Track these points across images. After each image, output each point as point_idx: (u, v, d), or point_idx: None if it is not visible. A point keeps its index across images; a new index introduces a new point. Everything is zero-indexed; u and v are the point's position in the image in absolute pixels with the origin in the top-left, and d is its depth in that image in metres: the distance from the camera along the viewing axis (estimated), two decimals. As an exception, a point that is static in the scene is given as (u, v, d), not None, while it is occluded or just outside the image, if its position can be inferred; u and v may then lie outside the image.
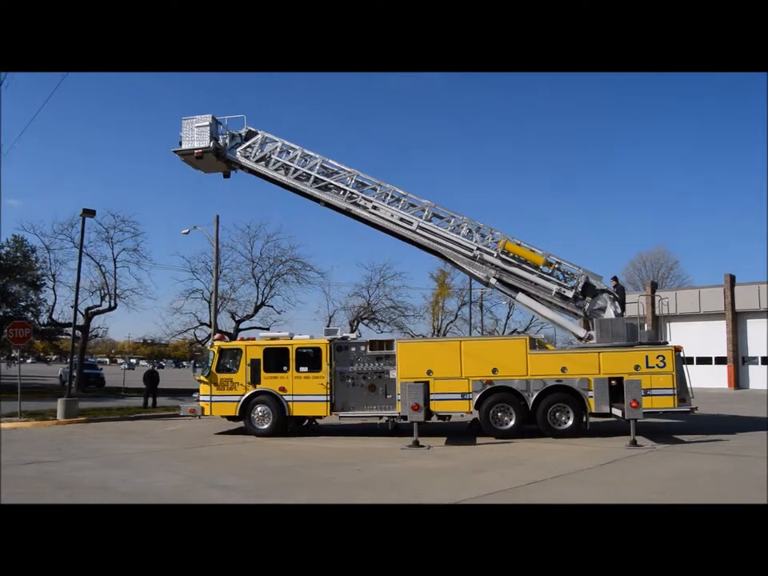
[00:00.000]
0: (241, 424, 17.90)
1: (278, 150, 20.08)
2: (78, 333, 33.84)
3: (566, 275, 18.30)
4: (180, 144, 20.11)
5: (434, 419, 16.75)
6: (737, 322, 42.50)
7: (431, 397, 16.11)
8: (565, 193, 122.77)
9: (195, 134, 19.83)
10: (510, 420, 16.03)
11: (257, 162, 20.09)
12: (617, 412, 15.28)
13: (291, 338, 18.10)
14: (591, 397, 15.64)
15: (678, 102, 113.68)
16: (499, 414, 16.10)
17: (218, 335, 23.08)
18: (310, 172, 19.63)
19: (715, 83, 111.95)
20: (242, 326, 38.18)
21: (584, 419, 15.81)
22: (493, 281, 18.31)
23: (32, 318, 37.44)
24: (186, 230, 32.90)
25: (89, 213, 24.32)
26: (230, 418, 17.99)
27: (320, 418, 18.10)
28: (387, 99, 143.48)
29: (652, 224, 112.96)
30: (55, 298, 37.43)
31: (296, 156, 19.90)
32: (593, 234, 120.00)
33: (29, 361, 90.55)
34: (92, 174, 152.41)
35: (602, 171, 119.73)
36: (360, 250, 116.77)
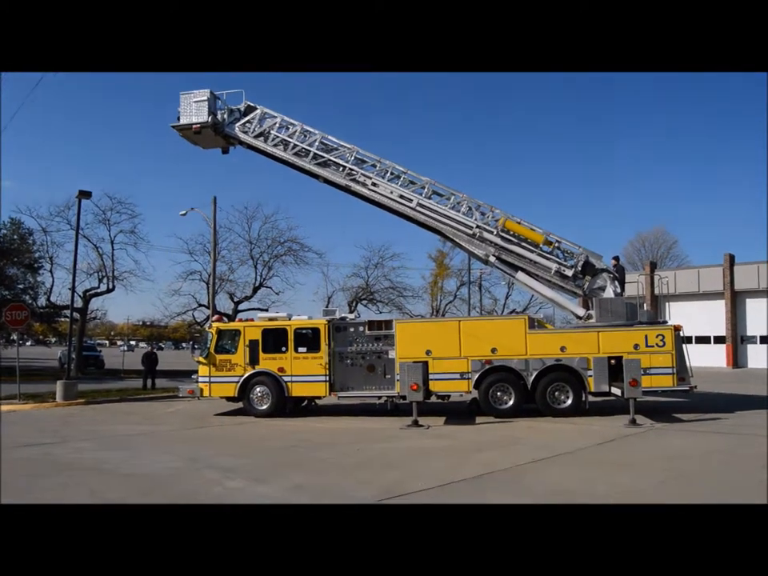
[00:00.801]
0: (240, 405, 17.90)
1: (277, 125, 19.90)
2: (77, 315, 33.77)
3: (565, 254, 18.24)
4: (178, 119, 19.90)
5: (433, 399, 16.75)
6: (736, 301, 42.48)
7: (430, 377, 16.09)
8: (565, 174, 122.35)
9: (193, 109, 19.61)
10: (509, 399, 16.03)
11: (255, 137, 19.91)
12: (616, 391, 15.28)
13: (290, 319, 18.06)
14: (590, 376, 15.64)
15: (679, 89, 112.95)
16: (498, 394, 16.10)
17: (216, 316, 23.00)
18: (309, 148, 19.46)
19: (715, 77, 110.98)
20: (240, 307, 38.12)
21: (583, 398, 15.82)
22: (492, 259, 18.23)
23: (30, 301, 37.29)
24: (184, 212, 32.70)
25: (85, 194, 24.17)
26: (228, 398, 17.99)
27: (319, 398, 18.12)
28: (387, 89, 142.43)
29: (651, 204, 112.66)
30: (53, 281, 37.32)
31: (295, 132, 19.72)
32: (592, 215, 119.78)
33: (28, 343, 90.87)
34: (88, 156, 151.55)
35: (602, 153, 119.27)
36: (358, 231, 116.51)
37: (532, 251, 18.01)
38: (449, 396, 16.89)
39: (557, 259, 17.95)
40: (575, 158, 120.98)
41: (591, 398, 16.07)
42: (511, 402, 16.00)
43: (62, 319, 44.40)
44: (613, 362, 15.60)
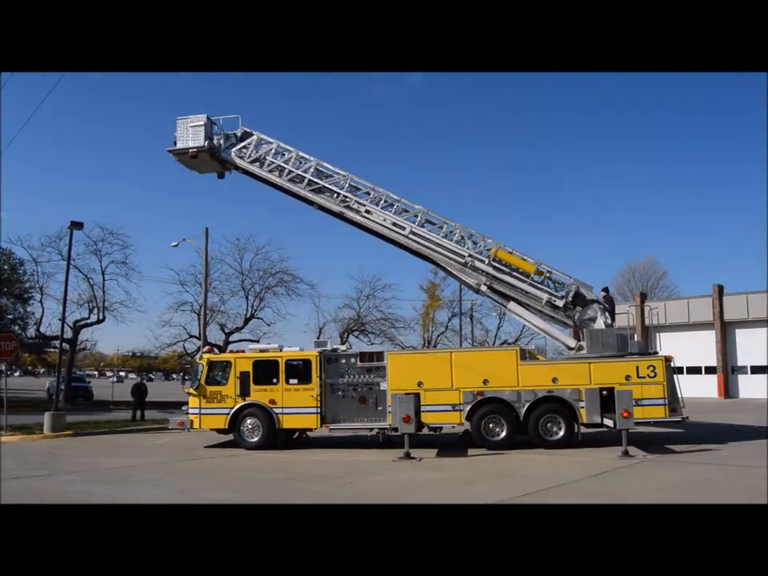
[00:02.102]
0: (230, 437, 17.71)
1: (273, 151, 20.08)
2: (66, 346, 33.54)
3: (556, 284, 18.33)
4: (174, 143, 20.06)
5: (425, 431, 16.65)
6: (726, 331, 42.67)
7: (422, 408, 16.02)
8: (555, 204, 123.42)
9: (190, 134, 19.81)
10: (502, 431, 15.94)
11: (251, 162, 20.07)
12: (608, 422, 15.23)
13: (281, 350, 17.97)
14: (582, 407, 15.59)
15: (668, 115, 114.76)
16: (490, 426, 16.01)
17: (207, 348, 22.92)
18: (304, 174, 19.61)
19: (705, 95, 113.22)
20: (231, 338, 37.97)
21: (575, 430, 15.76)
22: (484, 288, 18.32)
23: (19, 332, 37.06)
24: (176, 243, 32.82)
25: (77, 225, 24.20)
26: (219, 430, 17.80)
27: (310, 430, 17.96)
28: (369, 107, 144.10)
29: (641, 235, 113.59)
30: (43, 311, 37.13)
31: (291, 158, 19.90)
32: (582, 245, 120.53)
33: (16, 374, 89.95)
34: (81, 186, 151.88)
35: (591, 183, 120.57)
36: (350, 262, 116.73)
37: (523, 281, 18.10)
38: (441, 428, 16.81)
39: (548, 289, 18.03)
40: (564, 188, 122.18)
41: (583, 430, 16.03)
42: (504, 434, 15.91)
43: (51, 350, 44.09)
44: (605, 393, 15.58)
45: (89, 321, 36.92)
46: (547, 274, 18.30)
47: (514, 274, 18.22)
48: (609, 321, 17.57)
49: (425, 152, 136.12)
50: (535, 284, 18.08)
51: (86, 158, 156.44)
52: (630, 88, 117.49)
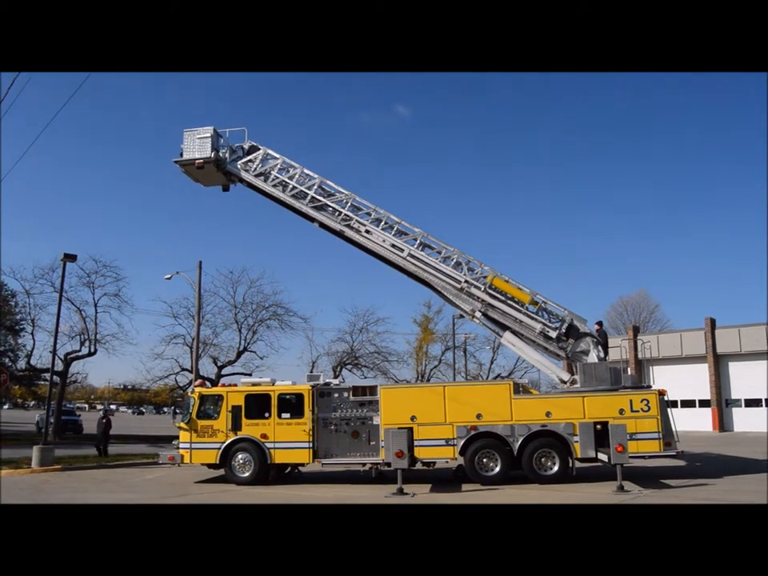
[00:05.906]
0: (221, 472, 17.50)
1: (278, 166, 20.34)
2: (57, 378, 33.26)
3: (550, 316, 18.41)
4: (181, 155, 20.25)
5: (419, 466, 16.49)
6: (719, 364, 42.65)
7: (415, 443, 15.88)
8: (548, 237, 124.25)
9: (197, 145, 20.05)
10: (496, 466, 15.80)
11: (256, 176, 20.31)
12: (603, 457, 15.14)
13: (273, 384, 17.87)
14: (577, 442, 15.51)
15: (658, 145, 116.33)
16: (484, 461, 15.88)
17: (198, 381, 22.76)
18: (307, 191, 19.84)
19: (698, 117, 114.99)
20: (223, 371, 37.77)
21: (570, 464, 15.63)
22: (478, 314, 18.42)
23: (9, 364, 36.81)
24: (169, 276, 32.84)
25: (70, 257, 24.13)
26: (210, 465, 17.59)
27: (302, 465, 17.76)
28: (358, 137, 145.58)
29: (633, 268, 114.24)
30: (34, 343, 36.88)
31: (295, 174, 20.15)
32: (574, 278, 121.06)
33: (6, 407, 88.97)
34: (74, 219, 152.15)
35: (583, 216, 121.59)
36: (344, 295, 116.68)
37: (518, 310, 18.19)
38: (434, 463, 16.65)
39: (541, 320, 18.10)
40: (555, 213, 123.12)
41: (578, 464, 15.90)
42: (498, 469, 15.76)
43: (42, 382, 43.69)
44: (599, 427, 15.49)
45: (80, 353, 36.67)
46: (542, 305, 18.40)
47: (509, 302, 18.33)
48: (602, 354, 17.58)
49: (416, 177, 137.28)
50: (529, 313, 18.18)
51: (81, 186, 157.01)
52: (622, 112, 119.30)
